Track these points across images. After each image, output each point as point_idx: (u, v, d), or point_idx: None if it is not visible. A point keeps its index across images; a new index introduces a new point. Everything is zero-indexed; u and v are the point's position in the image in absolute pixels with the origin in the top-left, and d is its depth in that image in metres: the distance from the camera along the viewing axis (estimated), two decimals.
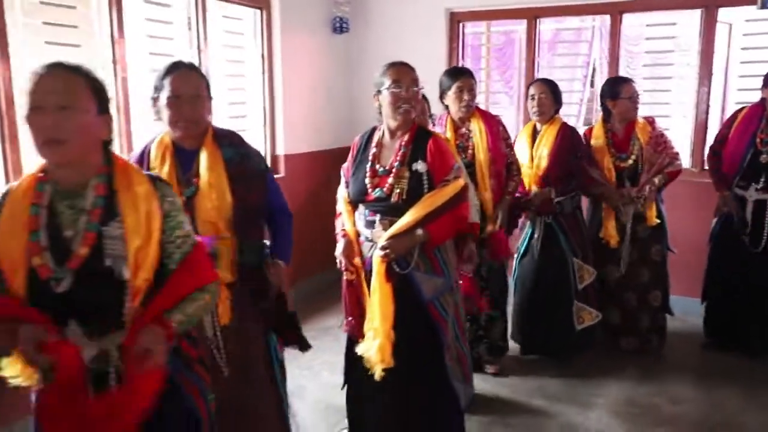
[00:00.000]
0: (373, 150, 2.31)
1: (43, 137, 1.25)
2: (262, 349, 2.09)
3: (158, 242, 1.34)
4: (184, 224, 1.41)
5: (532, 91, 3.28)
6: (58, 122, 1.25)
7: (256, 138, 3.93)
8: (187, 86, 1.85)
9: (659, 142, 3.24)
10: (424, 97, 2.63)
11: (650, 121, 3.32)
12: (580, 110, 5.93)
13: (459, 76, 2.98)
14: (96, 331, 1.28)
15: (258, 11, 3.89)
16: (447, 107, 3.04)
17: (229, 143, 1.96)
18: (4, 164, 2.52)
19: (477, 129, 2.99)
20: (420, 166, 2.22)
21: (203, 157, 1.89)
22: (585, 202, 3.48)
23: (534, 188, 3.24)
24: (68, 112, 1.26)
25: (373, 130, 2.39)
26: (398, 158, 2.24)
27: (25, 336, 1.20)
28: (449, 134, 2.96)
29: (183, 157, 1.90)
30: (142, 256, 1.30)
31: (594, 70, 7.04)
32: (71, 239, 1.30)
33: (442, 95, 3.02)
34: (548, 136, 3.25)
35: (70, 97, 1.27)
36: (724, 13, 4.02)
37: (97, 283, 1.28)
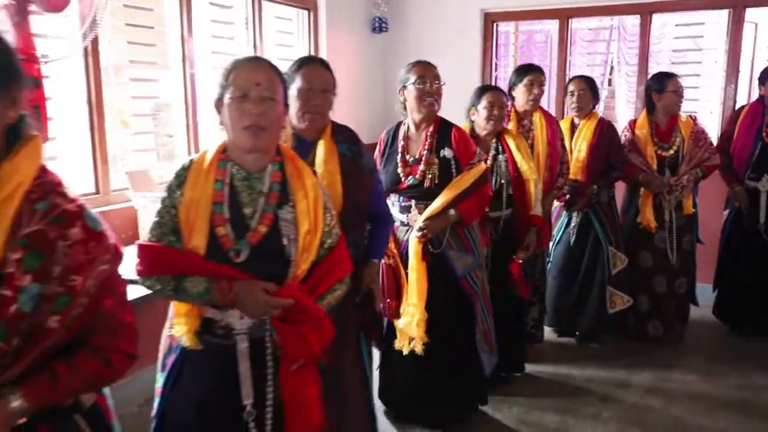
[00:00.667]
0: (401, 143, 2.55)
1: (248, 122, 1.39)
2: (355, 351, 2.15)
3: (322, 229, 1.49)
4: (333, 217, 1.57)
5: (571, 87, 3.47)
6: (263, 111, 1.39)
7: None
8: (319, 80, 1.93)
9: (700, 138, 3.43)
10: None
11: (693, 117, 3.52)
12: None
13: (530, 71, 3.18)
14: None
15: (306, 12, 4.11)
16: (513, 99, 3.22)
17: (345, 139, 2.03)
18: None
19: (539, 123, 3.19)
20: (447, 152, 2.46)
21: (320, 150, 1.94)
22: (619, 193, 3.68)
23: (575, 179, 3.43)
24: (272, 103, 1.42)
25: (398, 125, 2.62)
26: (426, 147, 2.47)
27: (253, 289, 1.38)
28: (512, 125, 3.14)
29: (301, 147, 1.92)
30: (309, 240, 1.46)
31: (612, 68, 7.22)
32: (250, 217, 1.44)
33: (511, 88, 3.21)
34: (587, 130, 3.44)
35: (273, 90, 1.43)
36: (750, 13, 4.20)
37: (269, 259, 1.43)
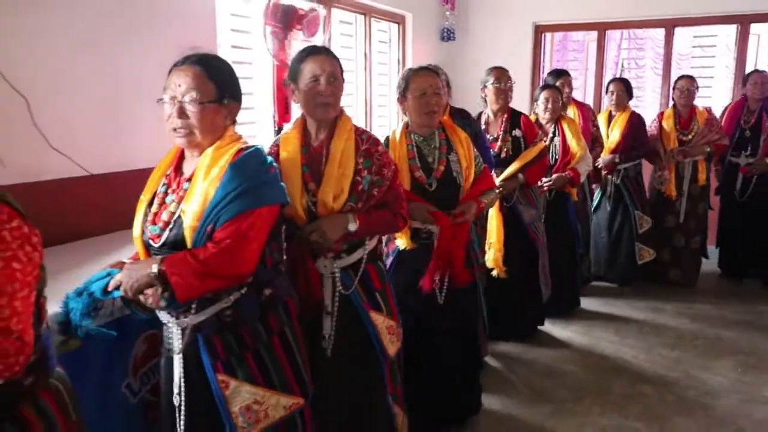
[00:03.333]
0: (483, 126, 3.55)
1: (428, 110, 2.34)
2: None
3: (473, 163, 2.48)
4: (478, 156, 2.55)
5: (611, 87, 4.48)
6: (437, 102, 2.36)
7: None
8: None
9: (713, 123, 4.43)
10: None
11: (708, 109, 4.50)
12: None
13: (562, 75, 4.21)
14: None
15: (397, 25, 5.16)
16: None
17: (459, 117, 3.06)
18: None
19: (572, 113, 4.21)
20: (517, 132, 3.45)
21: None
22: (647, 172, 4.69)
23: (605, 155, 4.43)
24: (439, 98, 2.37)
25: (479, 114, 3.62)
26: (502, 129, 3.46)
27: (422, 206, 2.33)
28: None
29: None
30: (467, 173, 2.44)
31: (623, 68, 8.19)
32: (432, 162, 2.42)
33: (536, 101, 4.22)
34: (621, 121, 4.44)
35: (440, 88, 2.40)
36: (754, 27, 5.20)
37: (446, 185, 2.40)
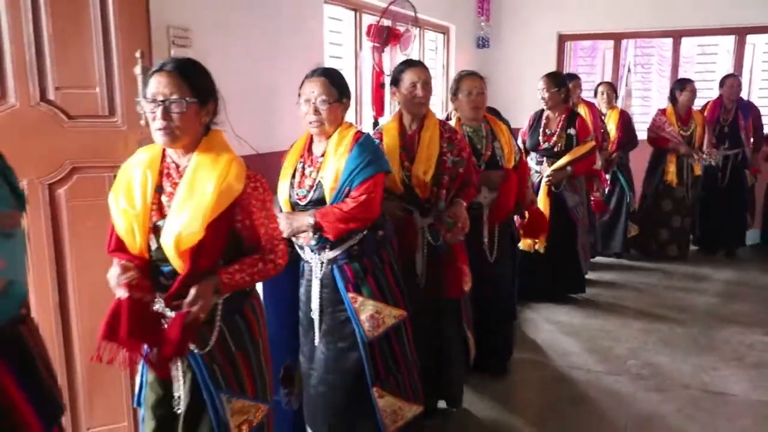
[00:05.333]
0: (543, 121, 4.38)
1: (474, 105, 3.10)
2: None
3: (513, 149, 3.28)
4: (516, 144, 3.44)
5: (601, 89, 5.33)
6: (482, 99, 3.11)
7: None
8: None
9: (710, 125, 5.28)
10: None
11: (702, 112, 5.35)
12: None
13: (573, 78, 5.05)
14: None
15: (442, 35, 6.01)
16: None
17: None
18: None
19: (583, 112, 5.03)
20: (572, 131, 4.26)
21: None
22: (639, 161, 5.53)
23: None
24: (484, 96, 3.23)
25: (541, 111, 4.45)
26: (559, 126, 4.29)
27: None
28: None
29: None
30: (509, 154, 3.20)
31: (629, 71, 8.97)
32: (480, 148, 3.18)
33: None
34: (614, 117, 5.24)
35: (485, 88, 3.29)
36: (750, 38, 6.03)
37: (492, 165, 3.13)
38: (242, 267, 1.61)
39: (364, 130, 2.29)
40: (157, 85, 1.53)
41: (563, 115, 4.15)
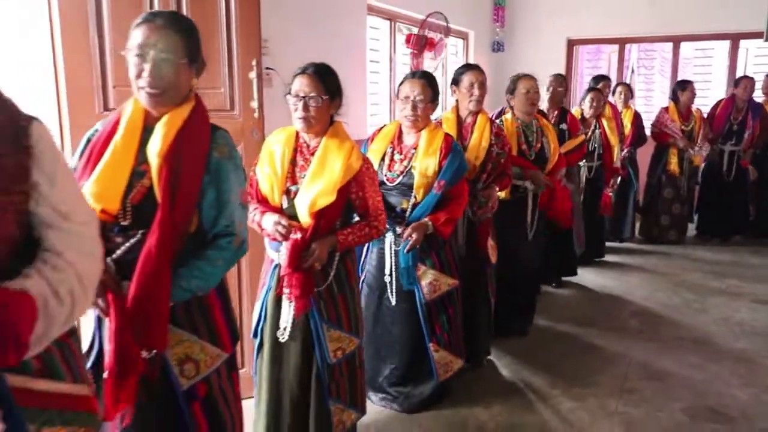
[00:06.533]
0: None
1: (531, 102, 3.70)
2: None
3: (557, 144, 3.87)
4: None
5: (619, 89, 5.89)
6: (537, 99, 3.71)
7: None
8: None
9: (706, 122, 5.86)
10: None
11: (699, 110, 5.93)
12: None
13: (602, 80, 5.64)
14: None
15: (462, 40, 6.60)
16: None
17: None
18: None
19: (608, 111, 5.63)
20: (564, 126, 4.85)
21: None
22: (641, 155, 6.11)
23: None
24: (538, 96, 3.83)
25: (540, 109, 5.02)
26: (553, 122, 4.80)
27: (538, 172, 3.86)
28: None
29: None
30: (555, 149, 3.76)
31: (633, 71, 9.55)
32: (532, 141, 3.72)
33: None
34: (629, 116, 5.83)
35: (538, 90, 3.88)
36: (743, 43, 6.61)
37: (541, 157, 3.68)
38: (353, 230, 2.14)
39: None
40: (300, 84, 2.08)
41: (556, 112, 4.66)
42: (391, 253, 2.65)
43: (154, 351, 1.52)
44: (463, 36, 6.59)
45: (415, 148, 2.67)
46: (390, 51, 5.06)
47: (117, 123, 1.57)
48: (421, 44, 4.36)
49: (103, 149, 1.53)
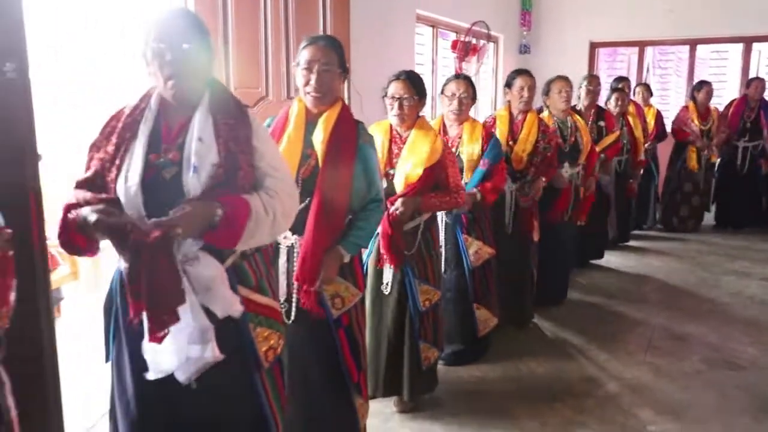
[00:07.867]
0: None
1: (566, 99, 4.23)
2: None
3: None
4: None
5: (638, 89, 6.40)
6: (570, 98, 4.29)
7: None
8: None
9: (722, 121, 6.31)
10: None
11: (717, 109, 6.39)
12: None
13: (623, 80, 6.14)
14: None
15: (493, 44, 7.12)
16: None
17: None
18: None
19: (632, 109, 6.13)
20: (601, 123, 5.35)
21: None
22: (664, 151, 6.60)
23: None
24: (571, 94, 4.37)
25: (574, 107, 5.53)
26: (591, 119, 5.35)
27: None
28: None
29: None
30: (587, 144, 4.23)
31: (648, 71, 10.00)
32: (567, 135, 4.17)
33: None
34: (651, 114, 6.33)
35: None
36: (756, 45, 7.08)
37: (574, 151, 4.20)
38: (437, 195, 2.68)
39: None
40: (396, 88, 2.63)
41: (593, 110, 5.10)
42: (443, 227, 3.13)
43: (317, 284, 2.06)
44: (494, 40, 7.11)
45: (460, 137, 3.17)
46: (432, 54, 5.60)
47: (286, 118, 2.14)
48: (466, 49, 4.90)
49: (279, 138, 2.09)
